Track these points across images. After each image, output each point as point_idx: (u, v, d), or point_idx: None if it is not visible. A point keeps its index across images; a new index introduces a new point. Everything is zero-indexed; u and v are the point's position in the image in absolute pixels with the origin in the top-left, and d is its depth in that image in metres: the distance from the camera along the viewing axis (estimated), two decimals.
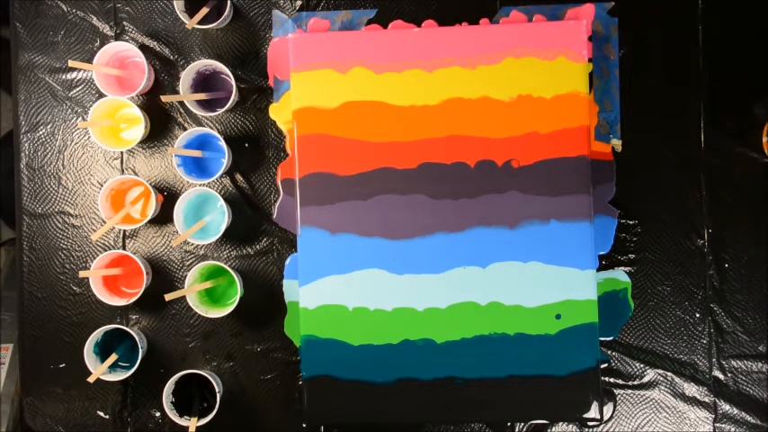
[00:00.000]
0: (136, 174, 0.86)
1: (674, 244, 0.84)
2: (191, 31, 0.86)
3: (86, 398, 0.85)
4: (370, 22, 0.85)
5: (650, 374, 0.84)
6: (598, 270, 0.84)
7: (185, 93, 0.81)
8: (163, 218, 0.85)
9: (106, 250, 0.85)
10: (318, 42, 0.82)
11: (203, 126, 0.85)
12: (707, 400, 0.83)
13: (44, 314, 0.86)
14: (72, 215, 0.86)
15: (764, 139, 0.83)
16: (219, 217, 0.84)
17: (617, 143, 0.84)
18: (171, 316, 0.85)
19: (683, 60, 0.84)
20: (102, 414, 0.85)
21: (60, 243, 0.86)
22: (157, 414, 0.85)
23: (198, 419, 0.78)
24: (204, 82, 0.85)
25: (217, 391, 0.80)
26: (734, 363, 0.83)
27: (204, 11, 0.80)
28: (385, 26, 0.85)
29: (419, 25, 0.85)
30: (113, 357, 0.79)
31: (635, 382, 0.84)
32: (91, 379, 0.78)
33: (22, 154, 0.86)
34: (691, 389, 0.83)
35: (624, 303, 0.84)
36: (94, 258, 0.84)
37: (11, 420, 1.06)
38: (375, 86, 0.81)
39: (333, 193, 0.81)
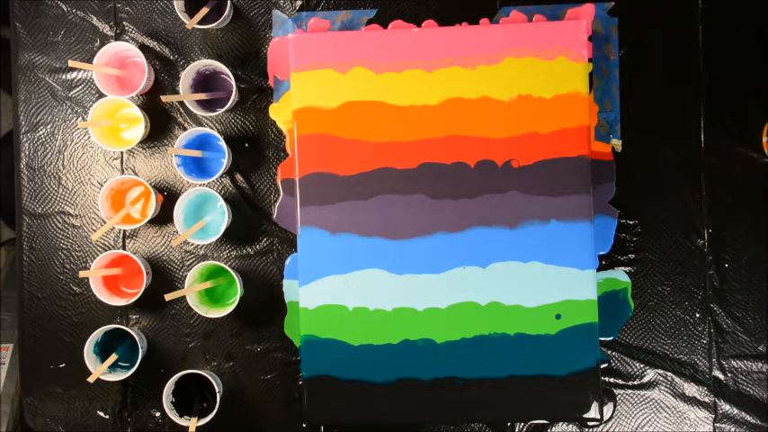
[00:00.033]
0: (136, 174, 0.86)
1: (674, 244, 0.84)
2: (191, 31, 0.86)
3: (86, 398, 0.85)
4: (370, 22, 0.85)
5: (650, 374, 0.84)
6: (598, 270, 0.84)
7: (185, 93, 0.81)
8: (163, 218, 0.85)
9: (106, 250, 0.85)
10: (318, 42, 0.82)
11: (203, 126, 0.85)
12: (707, 400, 0.83)
13: (44, 314, 0.86)
14: (72, 215, 0.86)
15: (764, 139, 0.83)
16: (219, 217, 0.84)
17: (617, 143, 0.84)
18: (171, 316, 0.85)
19: (683, 60, 0.84)
20: (102, 414, 0.85)
21: (60, 243, 0.86)
22: (157, 414, 0.85)
23: (198, 419, 0.78)
24: (204, 82, 0.85)
25: (217, 391, 0.80)
26: (734, 363, 0.83)
27: (204, 11, 0.80)
28: (385, 26, 0.85)
29: (419, 25, 0.85)
30: (113, 357, 0.79)
31: (635, 382, 0.84)
32: (91, 379, 0.78)
33: (22, 154, 0.86)
34: (691, 389, 0.83)
35: (624, 303, 0.84)
36: (94, 258, 0.84)
37: (11, 420, 1.06)
38: (375, 86, 0.81)
39: (333, 193, 0.81)
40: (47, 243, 0.86)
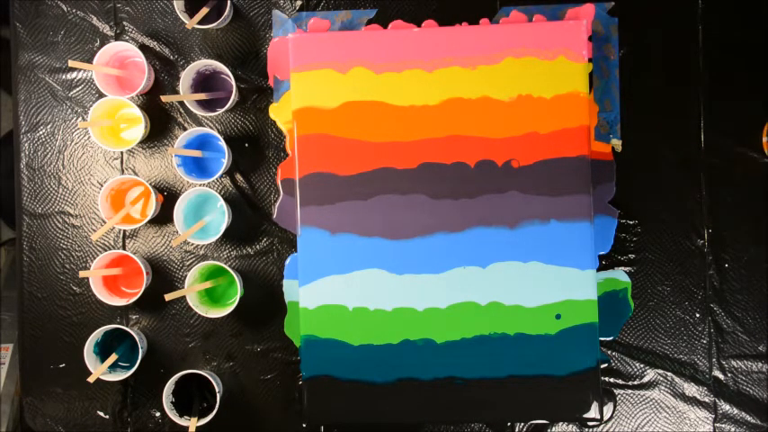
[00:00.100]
0: (136, 174, 0.86)
1: (674, 244, 0.84)
2: (191, 31, 0.86)
3: (86, 398, 0.85)
4: (370, 22, 0.85)
5: (650, 374, 0.84)
6: (598, 270, 0.84)
7: (185, 93, 0.81)
8: (163, 218, 0.85)
9: (106, 250, 0.85)
10: (318, 42, 0.82)
11: (203, 126, 0.85)
12: (707, 400, 0.83)
13: (44, 314, 0.86)
14: (72, 215, 0.86)
15: (764, 139, 0.83)
16: (219, 217, 0.84)
17: (617, 143, 0.84)
18: (171, 316, 0.85)
19: (683, 60, 0.84)
20: (102, 414, 0.85)
21: (60, 243, 0.86)
22: (157, 414, 0.85)
23: (198, 419, 0.78)
24: (204, 82, 0.85)
25: (217, 391, 0.80)
26: (734, 363, 0.83)
27: (204, 11, 0.80)
28: (385, 26, 0.85)
29: (419, 25, 0.85)
30: (113, 357, 0.79)
31: (635, 382, 0.84)
32: (91, 379, 0.78)
33: (22, 154, 0.86)
34: (691, 389, 0.83)
35: (624, 303, 0.84)
36: (94, 258, 0.84)
37: (11, 420, 1.06)
38: (375, 86, 0.81)
39: (333, 193, 0.81)
40: (47, 243, 0.86)
